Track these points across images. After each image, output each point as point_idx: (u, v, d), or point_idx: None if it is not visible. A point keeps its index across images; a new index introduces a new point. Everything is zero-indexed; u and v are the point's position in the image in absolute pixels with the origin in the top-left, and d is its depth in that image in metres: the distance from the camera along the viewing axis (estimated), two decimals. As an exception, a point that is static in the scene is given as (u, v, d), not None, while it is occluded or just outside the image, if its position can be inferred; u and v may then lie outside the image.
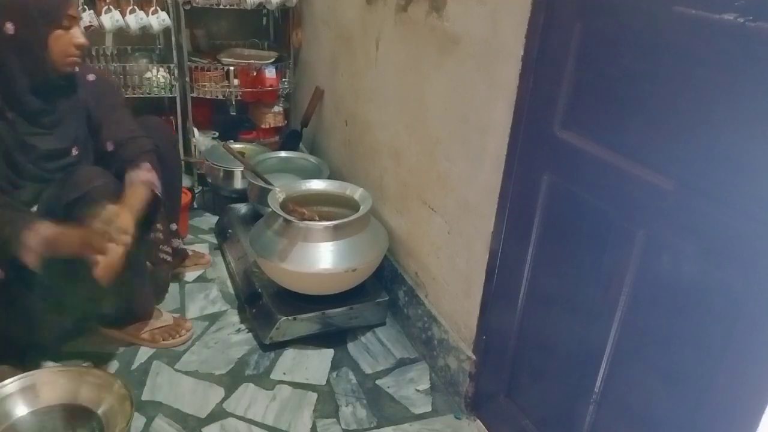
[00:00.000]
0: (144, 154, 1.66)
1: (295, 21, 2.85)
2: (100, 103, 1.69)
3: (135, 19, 2.44)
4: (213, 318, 1.98)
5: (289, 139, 2.87)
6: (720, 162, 0.92)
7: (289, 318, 1.81)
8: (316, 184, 2.05)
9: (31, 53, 1.46)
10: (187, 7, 2.59)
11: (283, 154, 2.55)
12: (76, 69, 1.59)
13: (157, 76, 2.64)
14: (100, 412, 1.51)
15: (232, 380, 1.73)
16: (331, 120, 2.57)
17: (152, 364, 1.77)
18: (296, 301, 1.85)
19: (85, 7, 2.40)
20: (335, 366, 1.81)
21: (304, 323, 1.84)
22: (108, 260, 1.36)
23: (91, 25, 2.41)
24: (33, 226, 1.39)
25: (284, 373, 1.77)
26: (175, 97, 2.65)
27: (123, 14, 2.43)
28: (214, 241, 2.41)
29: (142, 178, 1.60)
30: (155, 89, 2.64)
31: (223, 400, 1.66)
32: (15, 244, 1.38)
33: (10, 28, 1.41)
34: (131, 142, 1.67)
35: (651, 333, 1.09)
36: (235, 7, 2.68)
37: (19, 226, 1.40)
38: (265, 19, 3.10)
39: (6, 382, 1.53)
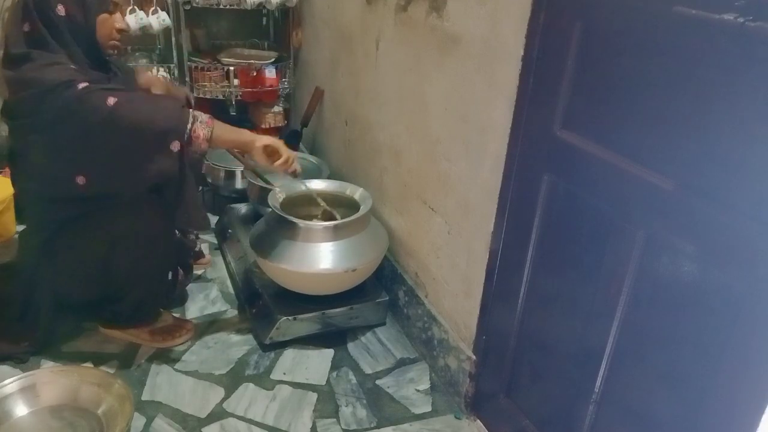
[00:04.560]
0: None
1: (295, 21, 2.85)
2: None
3: (135, 19, 2.44)
4: (213, 318, 1.98)
5: (289, 139, 2.87)
6: (720, 162, 0.92)
7: (289, 318, 1.81)
8: (316, 184, 2.05)
9: (81, 34, 1.56)
10: (187, 7, 2.60)
11: (283, 154, 2.54)
12: (116, 53, 1.70)
13: (158, 76, 2.63)
14: (100, 412, 1.52)
15: (232, 380, 1.73)
16: (331, 120, 2.57)
17: (152, 364, 1.76)
18: (296, 301, 1.85)
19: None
20: (335, 366, 1.81)
21: (304, 323, 1.84)
22: (288, 155, 1.66)
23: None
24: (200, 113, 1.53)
25: (284, 373, 1.77)
26: (175, 97, 2.65)
27: (123, 14, 2.43)
28: (214, 241, 2.41)
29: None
30: (155, 89, 2.64)
31: (223, 400, 1.66)
32: (185, 119, 1.49)
33: (61, 9, 1.51)
34: None
35: (651, 333, 1.08)
36: (235, 7, 2.68)
37: (187, 110, 1.52)
38: (265, 19, 3.10)
39: (6, 382, 1.53)
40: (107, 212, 1.60)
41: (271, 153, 1.65)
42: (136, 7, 2.44)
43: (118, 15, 1.63)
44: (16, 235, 2.34)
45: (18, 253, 1.76)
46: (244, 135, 1.63)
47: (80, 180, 1.49)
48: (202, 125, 1.51)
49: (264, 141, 1.63)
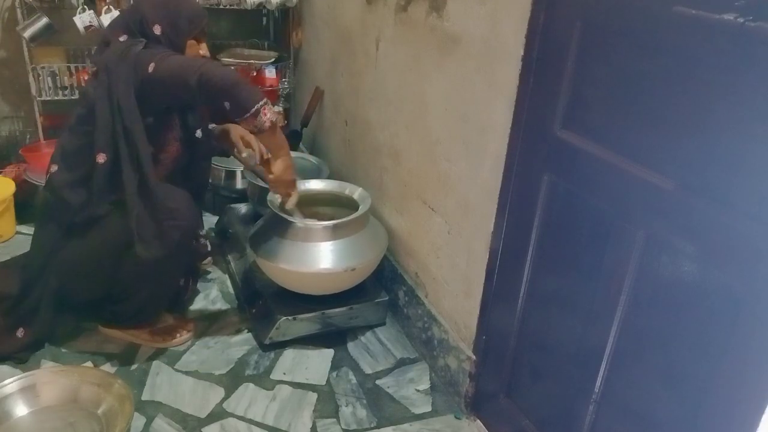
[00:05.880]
0: None
1: (295, 21, 2.85)
2: None
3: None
4: (213, 318, 1.98)
5: (289, 139, 2.86)
6: (720, 162, 0.92)
7: (289, 318, 1.81)
8: (316, 184, 2.05)
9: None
10: (187, 7, 2.59)
11: (283, 154, 2.54)
12: None
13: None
14: (100, 412, 1.52)
15: (232, 380, 1.73)
16: (331, 120, 2.57)
17: (152, 364, 1.76)
18: (296, 301, 1.85)
19: (85, 7, 2.40)
20: (335, 366, 1.81)
21: (304, 323, 1.84)
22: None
23: (91, 25, 2.41)
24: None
25: (284, 373, 1.77)
26: (175, 97, 2.65)
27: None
28: (214, 241, 2.41)
29: None
30: (155, 89, 2.63)
31: (223, 400, 1.66)
32: (257, 101, 1.53)
33: (157, 29, 1.64)
34: None
35: (651, 333, 1.08)
36: (235, 7, 2.68)
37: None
38: (265, 19, 3.10)
39: (6, 382, 1.53)
40: (120, 213, 1.59)
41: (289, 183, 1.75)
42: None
43: (203, 44, 1.77)
44: (17, 235, 2.34)
45: (31, 246, 1.76)
46: (287, 146, 1.76)
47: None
48: (272, 111, 1.57)
49: (289, 162, 1.74)
